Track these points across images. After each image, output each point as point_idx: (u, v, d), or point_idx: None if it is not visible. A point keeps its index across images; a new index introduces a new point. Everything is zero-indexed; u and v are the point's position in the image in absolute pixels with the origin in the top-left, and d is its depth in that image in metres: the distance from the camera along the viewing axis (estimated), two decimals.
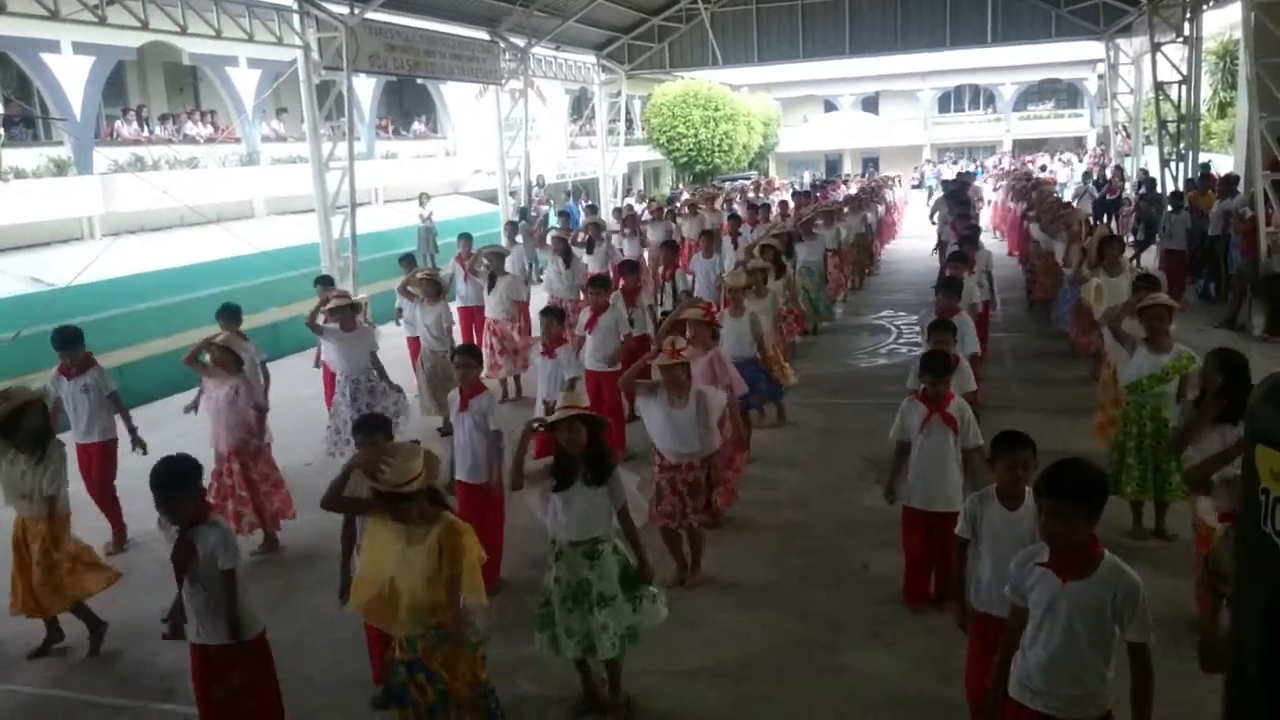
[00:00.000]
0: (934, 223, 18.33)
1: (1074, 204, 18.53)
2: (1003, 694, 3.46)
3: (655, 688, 5.10)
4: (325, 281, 10.19)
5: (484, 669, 4.20)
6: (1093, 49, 29.83)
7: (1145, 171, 22.01)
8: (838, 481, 7.95)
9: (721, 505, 7.07)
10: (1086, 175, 22.90)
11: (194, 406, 7.86)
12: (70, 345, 7.11)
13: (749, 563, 6.56)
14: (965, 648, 4.37)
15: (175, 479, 4.13)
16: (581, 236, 13.79)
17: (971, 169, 36.30)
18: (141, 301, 12.77)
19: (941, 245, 15.32)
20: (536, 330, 8.56)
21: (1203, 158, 19.80)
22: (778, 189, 29.28)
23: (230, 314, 8.32)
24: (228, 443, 7.01)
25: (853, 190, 24.28)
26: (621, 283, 9.50)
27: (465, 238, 12.33)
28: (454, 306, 11.30)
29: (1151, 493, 6.42)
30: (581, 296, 12.20)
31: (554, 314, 7.87)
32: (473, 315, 11.76)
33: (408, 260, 11.48)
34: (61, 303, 10.94)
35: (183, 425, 8.08)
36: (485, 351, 10.43)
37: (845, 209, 17.65)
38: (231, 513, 6.88)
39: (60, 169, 15.62)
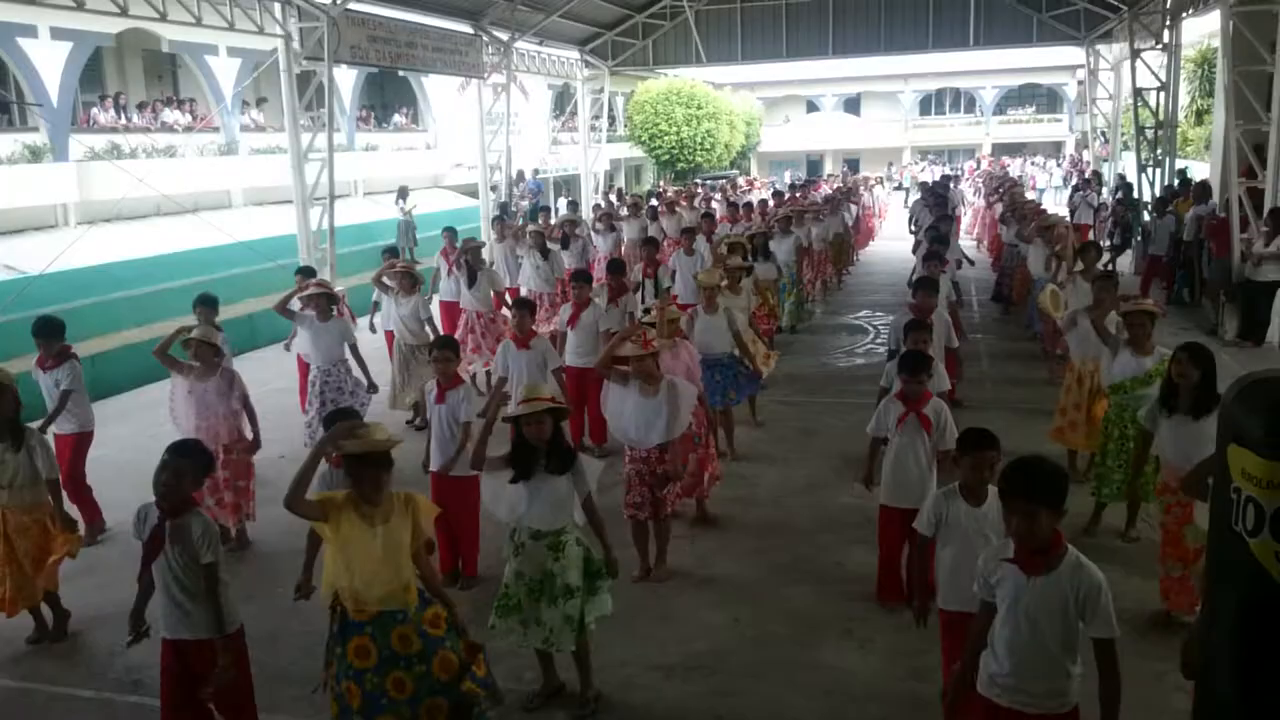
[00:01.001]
0: (912, 230, 18.30)
1: (1070, 214, 18.56)
2: (967, 687, 3.49)
3: (631, 681, 5.11)
4: (307, 273, 10.10)
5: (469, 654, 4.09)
6: (1073, 54, 30.01)
7: (1122, 177, 22.20)
8: (814, 479, 7.98)
9: (703, 494, 7.10)
10: (1085, 181, 22.91)
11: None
12: (47, 335, 6.97)
13: (725, 559, 6.57)
14: (937, 644, 4.39)
15: (195, 453, 4.21)
16: (555, 234, 13.77)
17: (951, 172, 36.45)
18: (116, 291, 12.62)
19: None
20: None
21: (1179, 164, 20.00)
22: (758, 188, 29.30)
23: (208, 304, 8.23)
24: (227, 435, 6.91)
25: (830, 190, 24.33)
26: (608, 281, 9.51)
27: (450, 232, 12.29)
28: (436, 300, 11.26)
29: (1122, 496, 6.48)
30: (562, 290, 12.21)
31: (526, 306, 7.85)
32: (453, 311, 11.69)
33: (390, 253, 11.41)
34: (35, 291, 10.81)
35: (155, 416, 8.02)
36: (467, 342, 10.45)
37: (826, 209, 17.71)
38: (229, 504, 6.93)
39: (35, 155, 15.42)
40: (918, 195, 22.21)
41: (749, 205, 17.99)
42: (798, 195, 21.67)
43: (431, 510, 4.12)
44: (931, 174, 34.91)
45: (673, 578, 6.26)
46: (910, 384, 5.52)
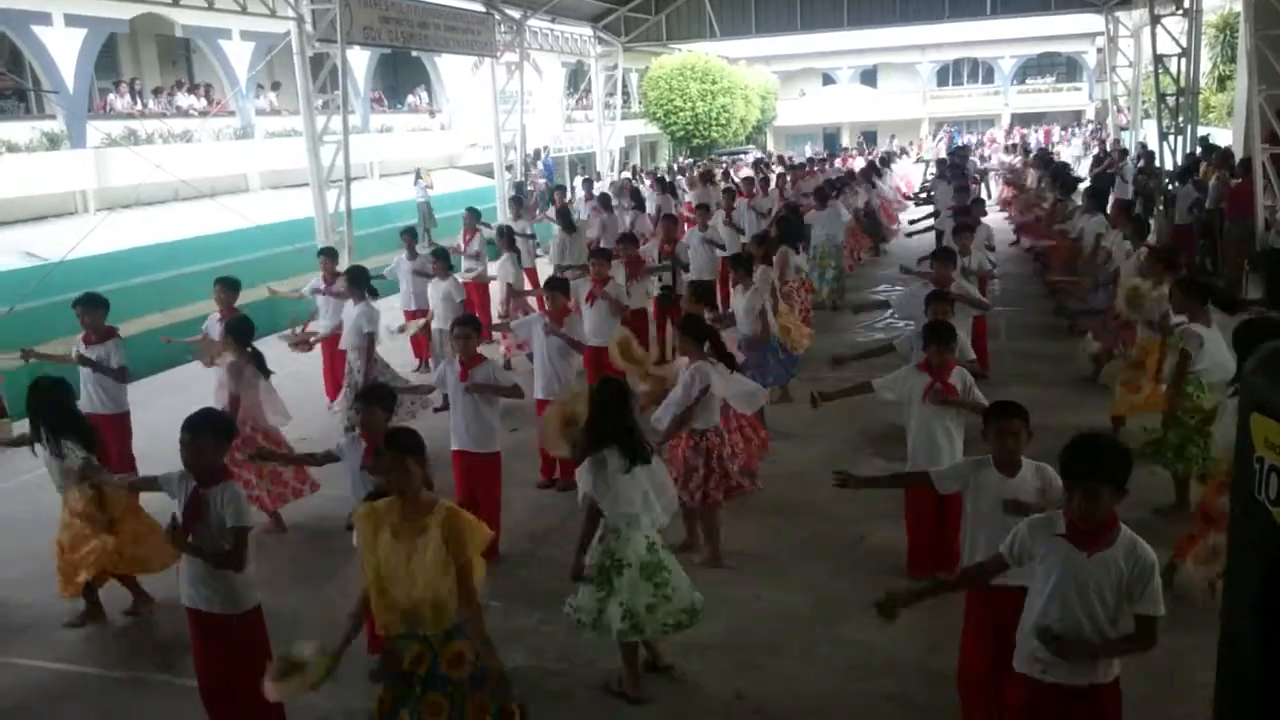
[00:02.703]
0: (935, 210, 18.07)
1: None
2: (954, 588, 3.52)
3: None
4: (329, 254, 10.14)
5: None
6: (1092, 21, 29.63)
7: (1144, 145, 21.90)
8: (834, 454, 7.95)
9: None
10: (1122, 153, 22.53)
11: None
12: (93, 305, 7.00)
13: (744, 535, 6.57)
14: (959, 620, 4.37)
15: (211, 422, 4.23)
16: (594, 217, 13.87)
17: (967, 142, 36.01)
18: (136, 276, 12.73)
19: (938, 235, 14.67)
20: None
21: (1201, 131, 19.71)
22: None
23: (230, 286, 8.24)
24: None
25: (859, 164, 24.06)
26: (624, 256, 9.52)
27: (472, 212, 12.34)
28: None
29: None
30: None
31: (560, 286, 7.77)
32: (475, 290, 11.78)
33: (408, 234, 11.43)
34: (56, 278, 10.89)
35: (177, 401, 8.05)
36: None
37: (862, 182, 17.66)
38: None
39: (53, 143, 15.53)
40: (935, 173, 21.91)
41: (765, 181, 17.92)
42: (812, 170, 21.53)
43: (480, 533, 3.73)
44: (939, 150, 34.33)
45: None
46: (939, 354, 5.48)
